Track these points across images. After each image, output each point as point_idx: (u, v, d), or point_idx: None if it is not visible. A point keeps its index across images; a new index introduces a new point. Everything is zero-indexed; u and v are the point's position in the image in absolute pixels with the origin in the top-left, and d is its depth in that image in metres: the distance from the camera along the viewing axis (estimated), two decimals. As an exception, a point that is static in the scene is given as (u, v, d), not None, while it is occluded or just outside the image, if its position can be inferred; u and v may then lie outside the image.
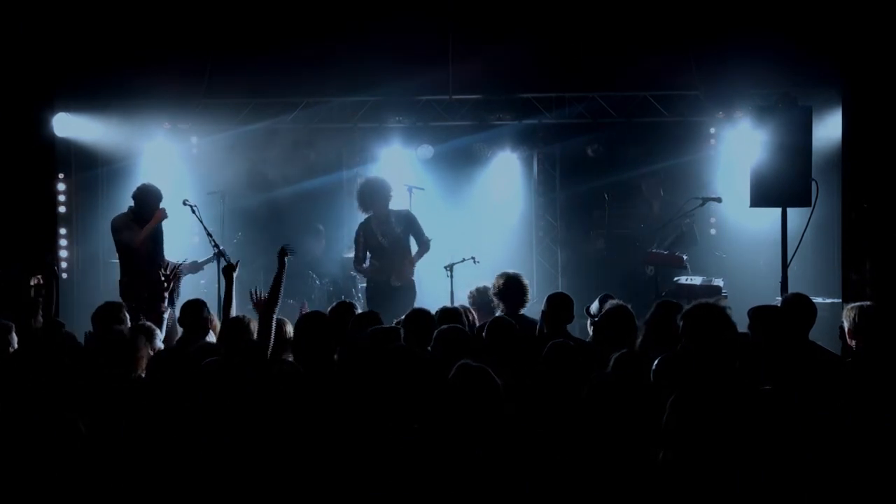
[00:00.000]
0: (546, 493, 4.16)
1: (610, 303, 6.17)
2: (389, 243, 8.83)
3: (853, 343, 5.49)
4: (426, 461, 4.21)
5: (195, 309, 6.43)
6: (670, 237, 10.40)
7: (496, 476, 4.14)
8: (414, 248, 8.91)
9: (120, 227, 8.64)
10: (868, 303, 5.65)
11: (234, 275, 6.34)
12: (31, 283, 7.66)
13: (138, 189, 8.72)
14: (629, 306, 6.01)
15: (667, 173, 11.25)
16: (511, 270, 6.96)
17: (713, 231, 11.55)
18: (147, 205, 8.62)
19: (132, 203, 8.68)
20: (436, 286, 9.11)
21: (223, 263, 8.38)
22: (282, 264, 6.15)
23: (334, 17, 10.34)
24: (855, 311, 5.52)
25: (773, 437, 4.36)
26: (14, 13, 8.75)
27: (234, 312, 6.12)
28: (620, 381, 4.64)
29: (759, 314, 5.38)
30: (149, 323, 6.25)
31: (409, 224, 8.92)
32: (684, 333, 5.03)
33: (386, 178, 9.24)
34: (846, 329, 5.54)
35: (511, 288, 6.73)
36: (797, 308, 5.70)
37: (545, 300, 6.31)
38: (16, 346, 5.94)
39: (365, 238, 8.91)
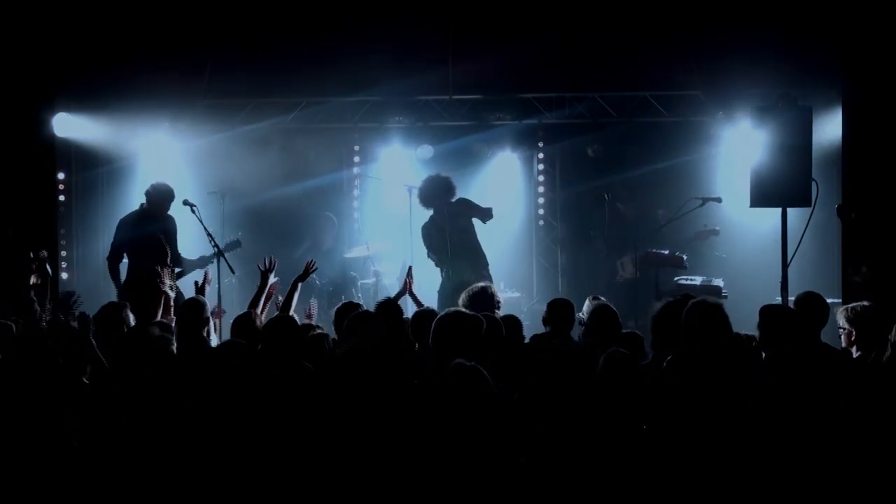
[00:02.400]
0: (546, 493, 4.16)
1: (593, 303, 6.15)
2: (460, 239, 8.96)
3: (848, 343, 5.51)
4: (425, 461, 4.21)
5: (196, 308, 6.42)
6: (690, 234, 10.42)
7: (495, 476, 4.14)
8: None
9: (117, 226, 8.87)
10: (866, 303, 5.65)
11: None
12: (31, 282, 7.68)
13: (151, 187, 8.88)
14: (611, 305, 6.03)
15: (667, 173, 11.23)
16: (478, 285, 6.81)
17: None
18: (157, 204, 8.80)
19: (144, 200, 8.86)
20: (435, 285, 9.11)
21: (222, 263, 8.52)
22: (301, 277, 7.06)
23: (334, 17, 10.33)
24: (850, 311, 5.53)
25: (773, 436, 4.36)
26: (14, 13, 8.75)
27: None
28: (612, 381, 4.65)
29: (769, 313, 5.37)
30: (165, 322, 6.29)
31: (468, 208, 9.07)
32: (684, 332, 5.03)
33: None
34: (841, 328, 5.56)
35: (476, 300, 6.53)
36: (810, 307, 5.69)
37: (546, 306, 6.27)
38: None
39: (436, 235, 9.03)
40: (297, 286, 6.99)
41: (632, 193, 11.20)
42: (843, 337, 5.63)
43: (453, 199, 9.13)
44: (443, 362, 4.62)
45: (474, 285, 6.81)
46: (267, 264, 7.02)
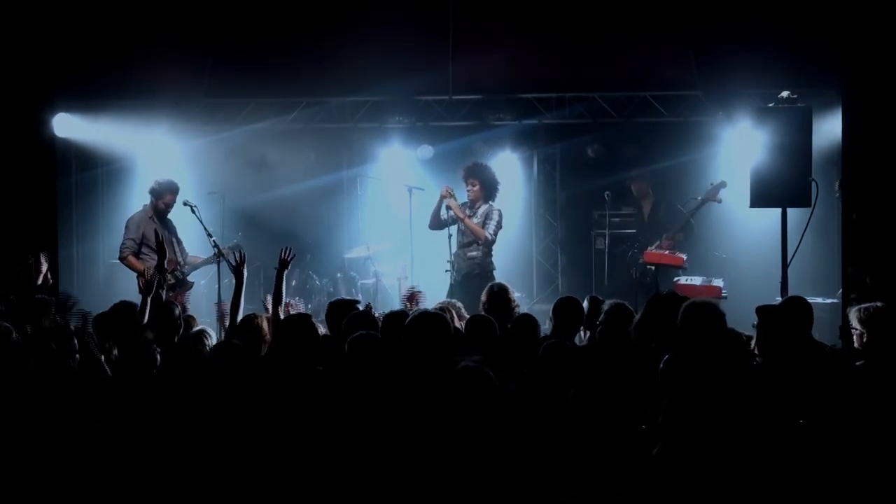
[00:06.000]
0: (546, 492, 4.16)
1: (609, 302, 6.14)
2: (470, 239, 9.17)
3: (861, 344, 5.49)
4: (427, 462, 4.22)
5: (166, 311, 6.45)
6: (677, 227, 10.41)
7: (501, 475, 4.14)
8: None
9: (125, 226, 9.05)
10: (879, 303, 5.63)
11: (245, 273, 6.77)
12: (39, 283, 7.70)
13: (156, 182, 9.12)
14: (626, 304, 6.02)
15: (667, 173, 11.24)
16: (496, 283, 6.87)
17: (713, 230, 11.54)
18: (164, 199, 9.08)
19: (148, 200, 9.10)
20: (436, 284, 9.13)
21: (223, 263, 8.52)
22: (282, 268, 6.71)
23: (334, 16, 10.33)
24: (864, 311, 5.52)
25: (771, 435, 4.36)
26: (14, 13, 8.74)
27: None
28: (611, 381, 4.65)
29: (765, 312, 5.37)
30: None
31: (491, 221, 9.19)
32: (681, 332, 5.03)
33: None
34: (855, 329, 5.54)
35: (495, 302, 6.57)
36: (796, 310, 5.69)
37: (554, 304, 6.25)
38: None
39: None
40: (282, 276, 6.78)
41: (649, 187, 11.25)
42: (855, 338, 5.61)
43: (493, 202, 9.15)
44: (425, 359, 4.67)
45: (494, 284, 6.85)
46: (238, 259, 6.88)
